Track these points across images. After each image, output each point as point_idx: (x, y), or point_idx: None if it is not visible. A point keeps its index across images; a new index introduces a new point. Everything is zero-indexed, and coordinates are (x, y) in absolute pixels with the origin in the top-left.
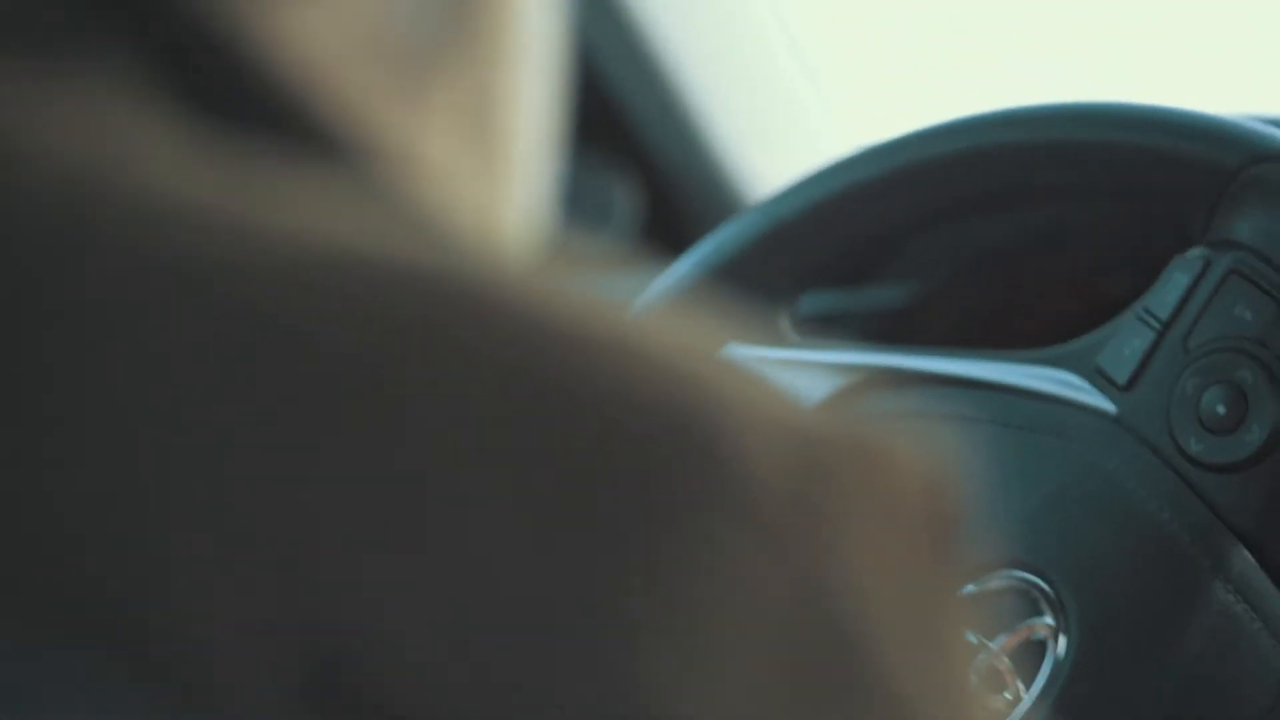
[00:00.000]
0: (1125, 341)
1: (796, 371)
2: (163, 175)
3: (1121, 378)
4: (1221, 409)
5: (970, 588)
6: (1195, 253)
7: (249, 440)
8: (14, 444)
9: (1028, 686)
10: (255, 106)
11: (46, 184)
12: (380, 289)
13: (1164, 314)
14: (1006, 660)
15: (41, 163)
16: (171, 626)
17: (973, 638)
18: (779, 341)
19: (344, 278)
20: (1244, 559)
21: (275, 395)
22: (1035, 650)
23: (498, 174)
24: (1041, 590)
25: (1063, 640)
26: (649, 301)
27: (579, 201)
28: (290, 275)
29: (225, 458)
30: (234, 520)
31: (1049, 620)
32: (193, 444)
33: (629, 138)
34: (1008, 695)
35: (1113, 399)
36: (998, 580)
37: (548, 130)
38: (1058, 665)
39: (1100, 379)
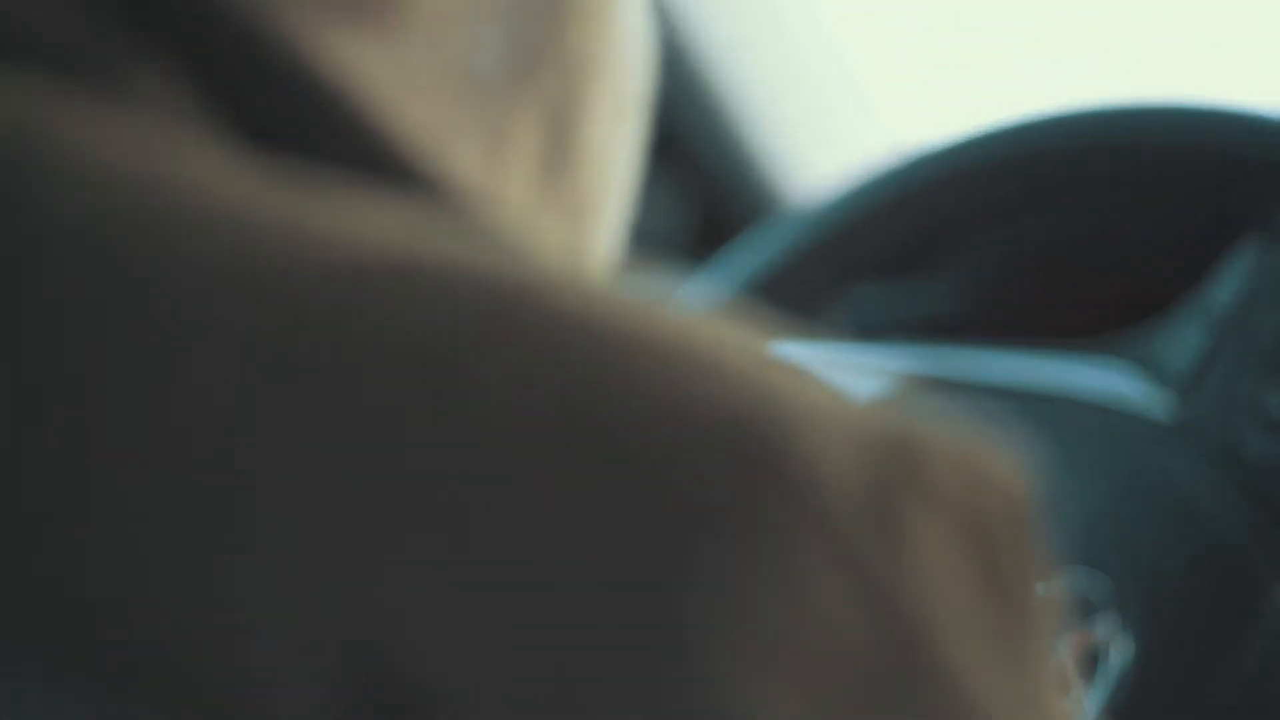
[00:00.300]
0: (1181, 337)
1: (851, 370)
2: (212, 186)
3: (1178, 375)
4: None
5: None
6: (1252, 249)
7: (298, 450)
8: (60, 460)
9: (1088, 688)
10: (320, 135)
11: (91, 195)
12: (440, 295)
13: (1221, 310)
14: (1068, 662)
15: (86, 175)
16: (216, 651)
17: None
18: (830, 338)
19: (402, 283)
20: None
21: (328, 403)
22: (1096, 652)
23: (576, 209)
24: (1102, 591)
25: (1123, 642)
26: (704, 305)
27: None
28: (343, 280)
29: (273, 469)
30: (280, 535)
31: (1110, 622)
32: (240, 453)
33: (671, 145)
34: (1070, 697)
35: (1169, 396)
36: (1059, 582)
37: (628, 162)
38: (1119, 667)
39: (1156, 375)
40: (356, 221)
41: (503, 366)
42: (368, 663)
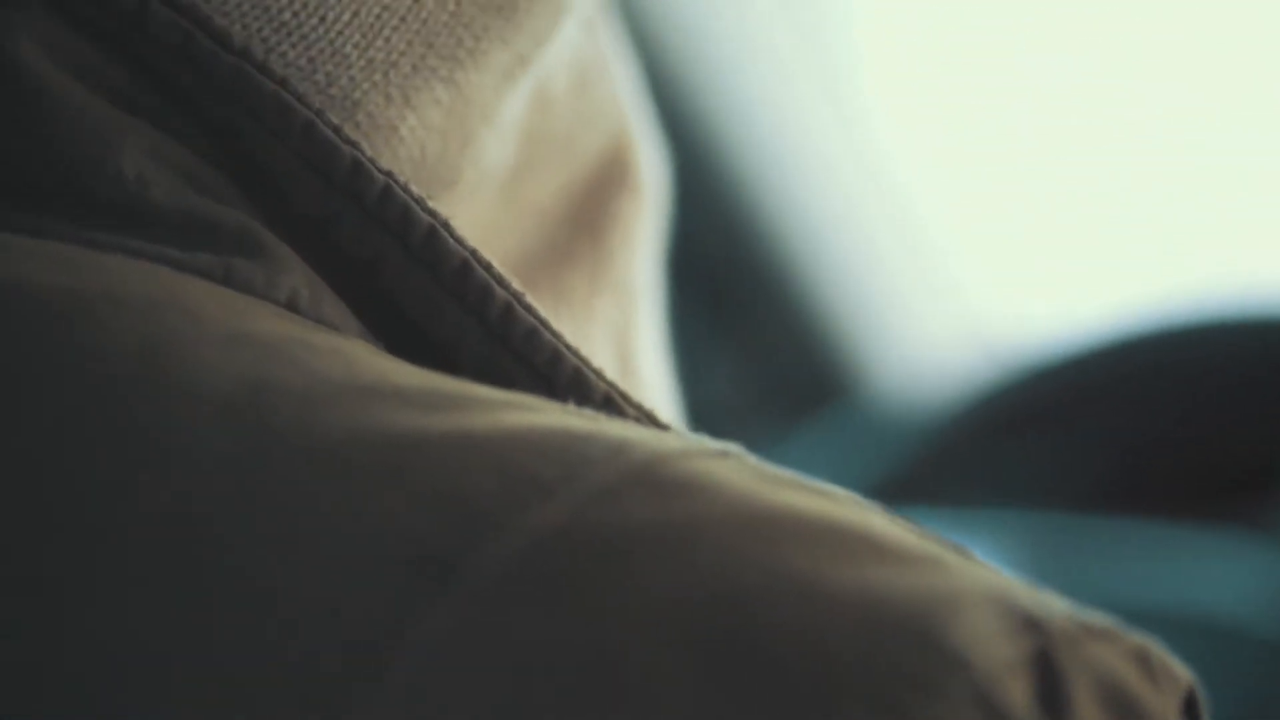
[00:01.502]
0: None
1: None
2: (344, 360)
3: None
4: None
5: None
6: None
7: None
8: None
9: None
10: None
11: (226, 361)
12: (595, 475)
13: None
14: None
15: (221, 343)
16: None
17: None
18: (957, 500)
19: (543, 455)
20: None
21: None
22: None
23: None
24: None
25: None
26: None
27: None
28: (483, 444)
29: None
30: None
31: None
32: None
33: (739, 319)
34: None
35: None
36: None
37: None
38: None
39: None
40: (499, 398)
41: (658, 547)
42: None
